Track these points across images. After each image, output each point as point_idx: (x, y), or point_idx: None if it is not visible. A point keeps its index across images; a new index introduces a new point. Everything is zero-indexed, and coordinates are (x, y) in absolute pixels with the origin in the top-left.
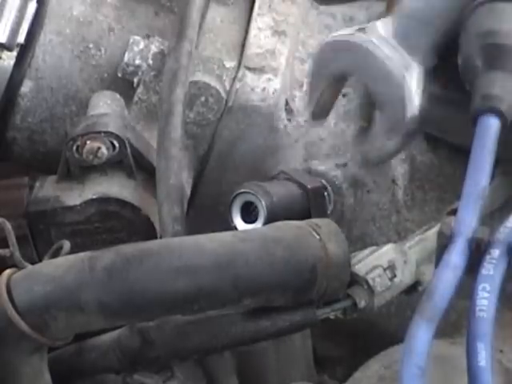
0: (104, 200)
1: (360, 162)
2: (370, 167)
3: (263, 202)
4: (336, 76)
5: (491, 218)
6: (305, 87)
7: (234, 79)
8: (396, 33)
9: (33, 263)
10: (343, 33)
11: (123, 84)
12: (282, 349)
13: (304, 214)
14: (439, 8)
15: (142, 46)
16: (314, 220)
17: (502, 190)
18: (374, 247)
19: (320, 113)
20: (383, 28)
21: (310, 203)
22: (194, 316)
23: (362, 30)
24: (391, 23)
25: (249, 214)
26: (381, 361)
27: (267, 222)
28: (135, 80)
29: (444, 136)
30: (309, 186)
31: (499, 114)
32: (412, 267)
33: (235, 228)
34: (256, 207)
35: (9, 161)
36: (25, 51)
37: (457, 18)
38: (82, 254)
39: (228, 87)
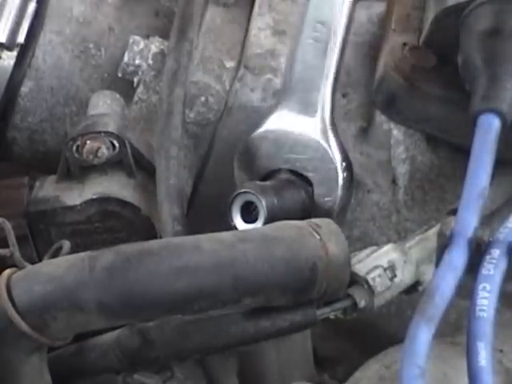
0: (104, 200)
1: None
2: None
3: (263, 202)
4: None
5: (491, 217)
6: None
7: (233, 79)
8: (295, 108)
9: (33, 263)
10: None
11: (123, 84)
12: (282, 349)
13: (304, 214)
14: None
15: (141, 45)
16: (314, 220)
17: (502, 190)
18: (374, 247)
19: None
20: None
21: (311, 199)
22: (194, 316)
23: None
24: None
25: (249, 213)
26: (381, 361)
27: (267, 221)
28: (135, 80)
29: (444, 136)
30: (307, 182)
31: (499, 113)
32: (412, 267)
33: (235, 228)
34: (256, 207)
35: (9, 161)
36: (25, 51)
37: None
38: (82, 254)
39: (228, 87)
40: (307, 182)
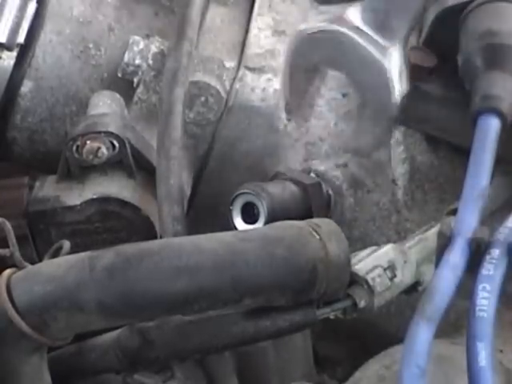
0: (104, 200)
1: (353, 153)
2: (363, 157)
3: (264, 203)
4: (313, 67)
5: (491, 217)
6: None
7: (234, 79)
8: (369, 19)
9: (33, 263)
10: (317, 24)
11: (123, 84)
12: (282, 349)
13: (304, 214)
14: None
15: (141, 45)
16: (314, 220)
17: (502, 190)
18: (374, 247)
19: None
20: (354, 16)
21: (311, 199)
22: (194, 316)
23: (335, 20)
24: (360, 11)
25: (249, 214)
26: (381, 361)
27: (268, 222)
28: (135, 80)
29: (444, 136)
30: (307, 182)
31: (499, 113)
32: (412, 267)
33: (235, 228)
34: (256, 208)
35: (9, 161)
36: (25, 51)
37: None
38: (82, 254)
39: (228, 87)
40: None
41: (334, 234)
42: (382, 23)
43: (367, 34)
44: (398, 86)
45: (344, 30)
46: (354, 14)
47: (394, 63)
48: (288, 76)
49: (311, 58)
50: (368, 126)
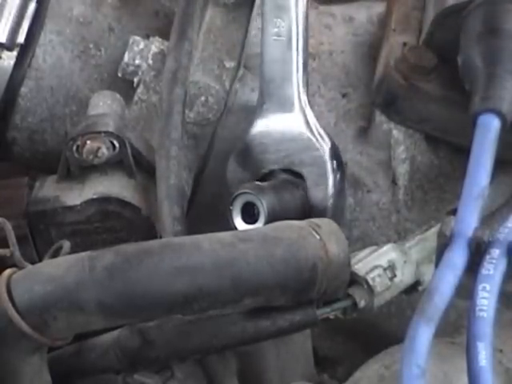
0: (104, 200)
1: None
2: None
3: (264, 203)
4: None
5: (491, 217)
6: None
7: (233, 79)
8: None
9: (33, 263)
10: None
11: (123, 84)
12: (282, 349)
13: (304, 214)
14: None
15: (141, 45)
16: (314, 220)
17: (502, 190)
18: (374, 247)
19: None
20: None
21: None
22: (194, 316)
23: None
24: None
25: (249, 214)
26: (381, 361)
27: (268, 222)
28: (135, 80)
29: (444, 136)
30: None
31: (499, 114)
32: (412, 267)
33: (235, 228)
34: (257, 208)
35: (9, 161)
36: (25, 51)
37: None
38: (82, 254)
39: (228, 87)
40: (303, 179)
41: (334, 234)
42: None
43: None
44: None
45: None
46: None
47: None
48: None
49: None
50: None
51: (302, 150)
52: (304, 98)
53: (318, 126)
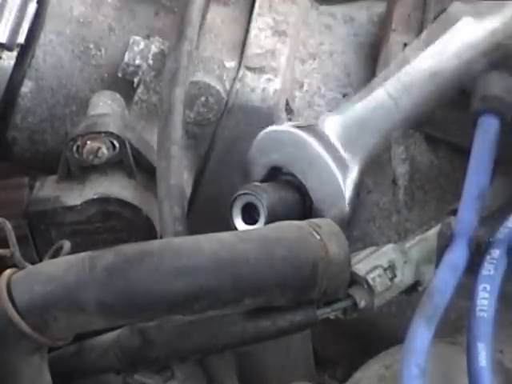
0: (104, 200)
1: None
2: None
3: (264, 203)
4: (272, 166)
5: (492, 218)
6: (305, 88)
7: (234, 79)
8: (338, 133)
9: (33, 263)
10: (288, 125)
11: (123, 84)
12: (283, 349)
13: (305, 215)
14: (383, 120)
15: (142, 46)
16: (315, 220)
17: (503, 191)
18: (375, 247)
19: None
20: (329, 126)
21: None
22: (194, 316)
23: (308, 127)
24: (338, 123)
25: (250, 215)
26: (381, 361)
27: (268, 222)
28: (135, 80)
29: (444, 136)
30: None
31: (499, 114)
32: (412, 267)
33: (236, 229)
34: (257, 208)
35: (9, 161)
36: (25, 51)
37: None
38: (82, 254)
39: (228, 87)
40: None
41: (335, 234)
42: (350, 140)
43: (333, 147)
44: (346, 202)
45: (311, 139)
46: (327, 123)
47: (350, 180)
48: (248, 171)
49: (270, 155)
50: None
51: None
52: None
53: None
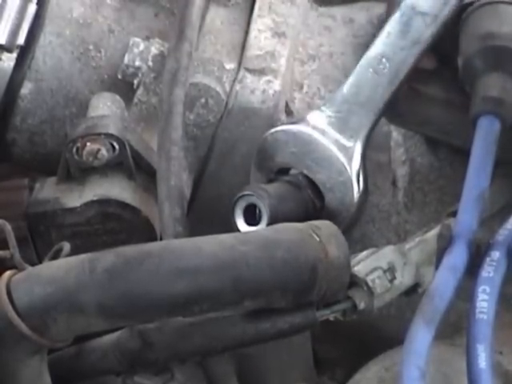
0: (104, 202)
1: None
2: None
3: (266, 205)
4: (279, 168)
5: (491, 220)
6: (305, 89)
7: (233, 81)
8: (332, 120)
9: (33, 265)
10: (284, 126)
11: (123, 86)
12: (282, 350)
13: (307, 216)
14: (371, 89)
15: (141, 47)
16: (315, 222)
17: (502, 192)
18: (374, 249)
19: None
20: (318, 117)
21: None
22: (194, 318)
23: (299, 121)
24: (323, 114)
25: (252, 216)
26: (381, 362)
27: (270, 224)
28: (135, 82)
29: (444, 138)
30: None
31: (499, 115)
32: (412, 269)
33: (238, 230)
34: (259, 209)
35: (9, 162)
36: (25, 53)
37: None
38: (82, 256)
39: (228, 89)
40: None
41: (334, 236)
42: (344, 124)
43: (330, 135)
44: (356, 186)
45: (308, 130)
46: (317, 115)
47: (354, 163)
48: (255, 177)
49: (274, 159)
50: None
51: (335, 178)
52: (364, 139)
53: (360, 165)
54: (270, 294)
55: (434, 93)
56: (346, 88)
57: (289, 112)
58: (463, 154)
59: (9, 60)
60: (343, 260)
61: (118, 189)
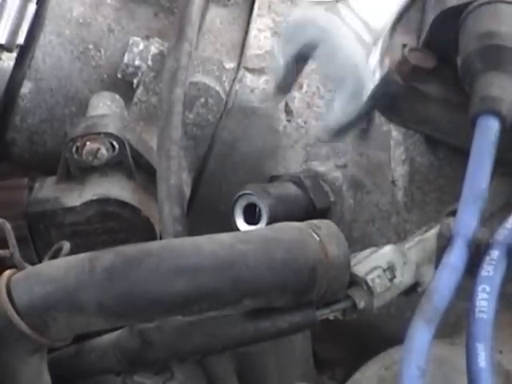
0: (104, 201)
1: (322, 131)
2: (330, 139)
3: (266, 204)
4: (302, 48)
5: (491, 219)
6: (304, 88)
7: (233, 80)
8: (357, 16)
9: (33, 264)
10: (312, 10)
11: (123, 85)
12: (282, 350)
13: (306, 215)
14: None
15: (141, 47)
16: (314, 221)
17: (502, 192)
18: (374, 248)
19: (284, 87)
20: (346, 11)
21: (310, 190)
22: (193, 317)
23: (332, 7)
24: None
25: (251, 215)
26: (380, 362)
27: (270, 223)
28: (135, 81)
29: (444, 137)
30: (308, 183)
31: (498, 115)
32: (412, 268)
33: (237, 229)
34: (259, 209)
35: (8, 161)
36: (24, 52)
37: None
38: (81, 255)
39: (228, 88)
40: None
41: (334, 236)
42: (367, 22)
43: (355, 30)
44: (375, 75)
45: (336, 19)
46: (345, 8)
47: (372, 61)
48: (280, 48)
49: (298, 41)
50: (340, 109)
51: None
52: None
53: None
54: (270, 293)
55: (434, 92)
56: None
57: (288, 111)
58: (463, 153)
59: (9, 59)
60: (343, 259)
61: (117, 188)
